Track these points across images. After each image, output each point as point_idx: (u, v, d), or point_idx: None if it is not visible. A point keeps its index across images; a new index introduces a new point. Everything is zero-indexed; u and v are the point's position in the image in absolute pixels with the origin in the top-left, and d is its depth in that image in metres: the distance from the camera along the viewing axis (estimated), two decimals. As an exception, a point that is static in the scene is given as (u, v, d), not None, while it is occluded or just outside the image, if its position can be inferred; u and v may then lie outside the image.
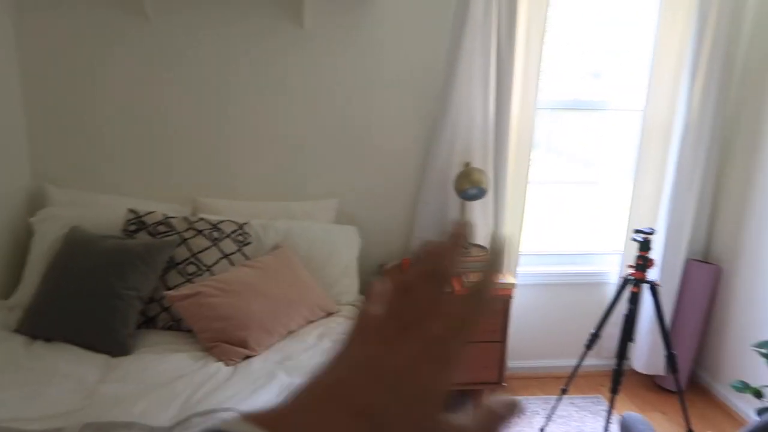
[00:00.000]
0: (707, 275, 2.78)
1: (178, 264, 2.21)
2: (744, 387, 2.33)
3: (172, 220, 2.32)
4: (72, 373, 1.81)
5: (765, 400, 2.29)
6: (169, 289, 2.15)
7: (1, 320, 2.10)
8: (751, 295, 2.62)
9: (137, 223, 2.29)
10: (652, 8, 2.63)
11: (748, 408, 2.56)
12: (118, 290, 2.02)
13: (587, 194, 3.01)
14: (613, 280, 2.91)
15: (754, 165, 2.63)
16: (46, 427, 1.55)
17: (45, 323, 2.02)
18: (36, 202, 2.53)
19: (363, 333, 0.38)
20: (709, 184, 2.75)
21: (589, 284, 2.95)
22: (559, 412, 2.62)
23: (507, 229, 2.70)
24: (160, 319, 2.14)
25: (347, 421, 0.33)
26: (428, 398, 0.35)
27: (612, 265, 2.94)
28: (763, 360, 2.24)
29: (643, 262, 2.20)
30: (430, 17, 2.57)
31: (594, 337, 2.29)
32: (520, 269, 2.76)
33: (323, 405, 0.34)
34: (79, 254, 2.13)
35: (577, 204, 3.01)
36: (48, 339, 1.99)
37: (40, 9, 2.38)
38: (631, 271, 2.23)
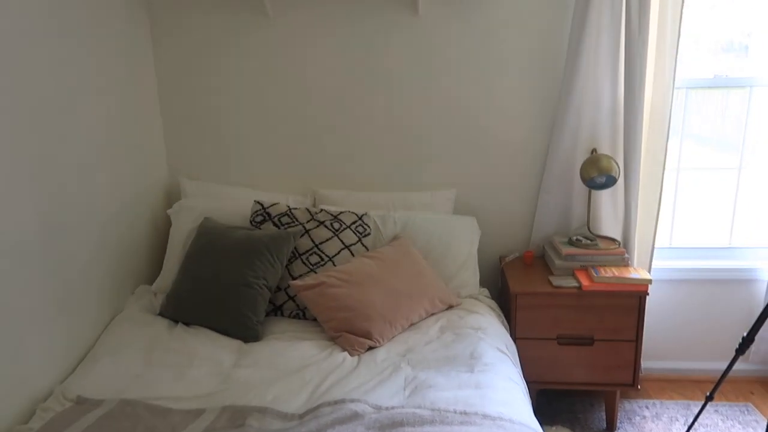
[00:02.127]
0: None
1: (301, 254, 2.27)
2: None
3: (295, 211, 2.38)
4: (210, 356, 1.91)
5: None
6: (295, 278, 2.21)
7: (147, 304, 2.27)
8: None
9: (263, 214, 2.37)
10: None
11: None
12: (248, 279, 2.10)
13: (732, 182, 2.70)
14: (764, 276, 2.61)
15: None
16: (190, 407, 1.64)
17: (184, 309, 2.15)
18: (173, 195, 2.71)
19: None
20: None
21: (734, 281, 2.66)
22: (702, 420, 2.39)
23: (640, 221, 2.49)
24: (287, 307, 2.21)
25: None
26: None
27: (762, 261, 2.63)
28: None
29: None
30: (553, -5, 2.42)
31: (746, 341, 2.05)
32: (656, 263, 2.54)
33: None
34: (212, 244, 2.25)
35: (720, 193, 2.72)
36: (187, 323, 2.12)
37: (172, 16, 2.53)
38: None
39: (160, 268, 2.46)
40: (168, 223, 2.55)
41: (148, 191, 2.57)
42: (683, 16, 2.28)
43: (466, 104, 2.57)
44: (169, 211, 2.54)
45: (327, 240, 2.30)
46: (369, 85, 2.57)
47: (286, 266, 2.23)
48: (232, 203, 2.51)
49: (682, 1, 2.26)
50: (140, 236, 2.50)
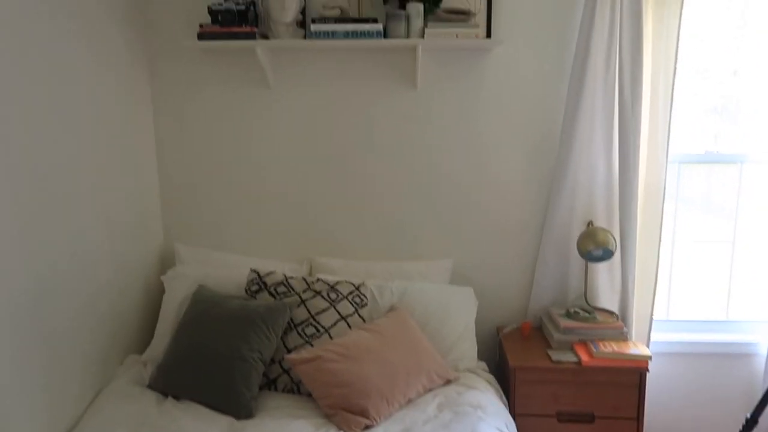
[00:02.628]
0: None
1: (297, 325, 2.23)
2: None
3: (291, 280, 2.35)
4: (200, 435, 1.84)
5: None
6: (290, 350, 2.16)
7: (136, 375, 2.20)
8: None
9: (259, 283, 2.34)
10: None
11: None
12: (243, 352, 2.05)
13: (727, 254, 2.72)
14: (763, 351, 2.59)
15: None
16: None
17: (174, 382, 2.09)
18: (167, 260, 2.68)
19: None
20: None
21: (734, 355, 2.64)
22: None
23: (637, 293, 2.48)
24: (281, 381, 2.15)
25: None
26: None
27: (761, 335, 2.61)
28: None
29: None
30: (545, 74, 2.50)
31: (751, 423, 2.01)
32: (654, 336, 2.52)
33: None
34: (206, 314, 2.21)
35: (716, 265, 2.73)
36: (177, 397, 2.05)
37: (173, 84, 2.58)
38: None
39: (152, 336, 2.40)
40: (161, 290, 2.51)
41: (143, 256, 2.54)
42: (674, 94, 2.35)
43: (463, 176, 2.60)
44: (163, 278, 2.50)
45: (323, 311, 2.27)
46: (367, 156, 2.60)
47: (281, 337, 2.19)
48: (227, 271, 2.48)
49: (673, 81, 2.34)
50: (132, 303, 2.45)
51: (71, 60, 2.01)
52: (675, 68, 2.33)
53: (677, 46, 2.32)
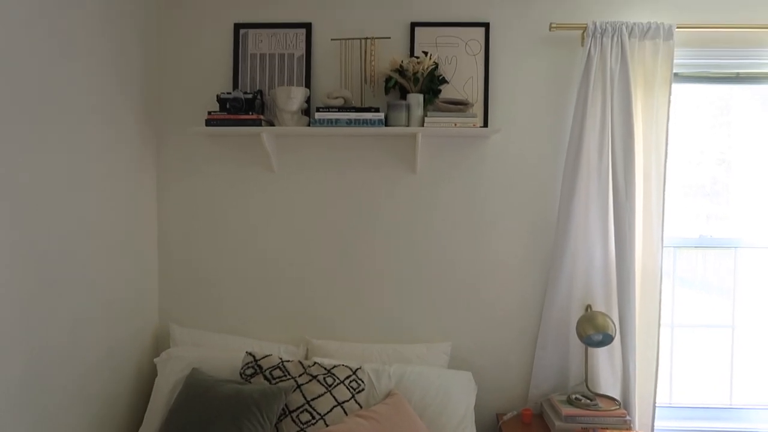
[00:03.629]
0: None
1: (292, 411, 2.17)
2: None
3: (287, 364, 2.31)
4: None
5: None
6: (284, 439, 2.09)
7: (122, 465, 2.12)
8: None
9: (254, 366, 2.30)
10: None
11: None
12: (236, 441, 1.99)
13: (727, 339, 2.70)
14: (771, 441, 2.52)
15: None
16: None
17: (163, 472, 2.00)
18: (161, 341, 2.64)
19: None
20: None
21: (740, 445, 2.56)
22: None
23: (639, 379, 2.44)
24: (274, 472, 2.07)
25: None
26: None
27: (765, 423, 2.55)
28: None
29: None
30: (541, 160, 2.58)
31: None
32: (658, 424, 2.45)
33: None
34: (199, 400, 2.15)
35: (716, 350, 2.71)
36: (164, 490, 1.96)
37: (179, 163, 2.64)
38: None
39: (141, 421, 2.33)
40: (153, 372, 2.45)
41: (137, 336, 2.51)
42: (666, 179, 2.42)
43: (461, 260, 2.62)
44: (156, 360, 2.46)
45: (319, 396, 2.21)
46: (366, 238, 2.63)
47: (275, 424, 2.12)
48: (222, 353, 2.45)
49: (664, 166, 2.41)
50: (123, 385, 2.39)
51: (83, 136, 2.08)
52: (666, 153, 2.42)
53: (667, 133, 2.41)
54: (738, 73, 2.63)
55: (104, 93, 2.21)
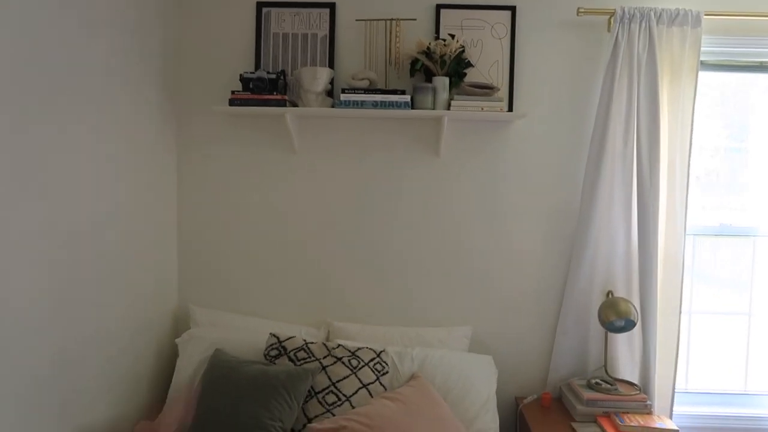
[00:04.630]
0: None
1: (318, 393, 2.17)
2: None
3: (311, 345, 2.31)
4: None
5: None
6: (310, 419, 2.09)
7: (148, 445, 2.11)
8: None
9: (279, 348, 2.30)
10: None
11: None
12: (264, 421, 1.98)
13: (744, 326, 2.72)
14: (786, 427, 2.56)
15: None
16: None
17: (191, 452, 2.00)
18: (181, 323, 2.63)
19: None
20: None
21: (753, 430, 2.59)
22: None
23: (658, 365, 2.46)
24: (301, 452, 2.07)
25: None
26: None
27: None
28: None
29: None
30: (565, 146, 2.57)
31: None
32: (677, 409, 2.48)
33: None
34: (224, 380, 2.14)
35: (733, 336, 2.73)
36: (192, 469, 1.97)
37: (199, 146, 2.62)
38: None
39: (163, 400, 2.33)
40: (174, 352, 2.45)
41: (157, 319, 2.50)
42: (690, 165, 2.43)
43: (483, 244, 2.62)
44: (177, 340, 2.45)
45: (344, 378, 2.21)
46: (388, 221, 2.62)
47: (301, 406, 2.13)
48: (243, 334, 2.44)
49: (689, 154, 2.42)
50: (145, 367, 2.38)
51: (107, 116, 2.04)
52: (691, 141, 2.42)
53: (692, 121, 2.41)
54: (762, 62, 2.63)
55: (126, 70, 2.17)
